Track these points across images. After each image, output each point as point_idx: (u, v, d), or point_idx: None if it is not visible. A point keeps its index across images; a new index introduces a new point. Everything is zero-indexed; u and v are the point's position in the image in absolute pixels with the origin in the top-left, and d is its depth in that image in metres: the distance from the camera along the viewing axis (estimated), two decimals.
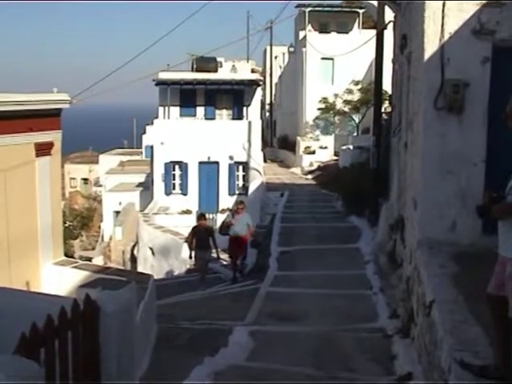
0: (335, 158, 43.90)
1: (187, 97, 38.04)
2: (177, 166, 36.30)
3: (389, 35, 20.55)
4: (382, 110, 23.64)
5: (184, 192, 36.32)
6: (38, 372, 4.98)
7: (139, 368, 8.99)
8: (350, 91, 45.98)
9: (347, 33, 50.76)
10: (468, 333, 6.47)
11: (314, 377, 9.09)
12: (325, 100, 47.36)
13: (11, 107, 14.83)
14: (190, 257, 18.89)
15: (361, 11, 49.91)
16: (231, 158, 35.90)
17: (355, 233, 21.47)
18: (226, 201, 35.85)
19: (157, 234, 30.70)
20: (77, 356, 6.21)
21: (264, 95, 62.07)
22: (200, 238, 18.17)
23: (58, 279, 15.70)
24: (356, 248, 19.30)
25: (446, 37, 9.79)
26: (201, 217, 18.99)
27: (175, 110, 38.12)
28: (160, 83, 36.85)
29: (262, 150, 40.00)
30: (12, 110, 14.84)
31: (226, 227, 18.91)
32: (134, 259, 34.19)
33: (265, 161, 44.66)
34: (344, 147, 38.49)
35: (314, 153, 47.01)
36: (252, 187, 32.83)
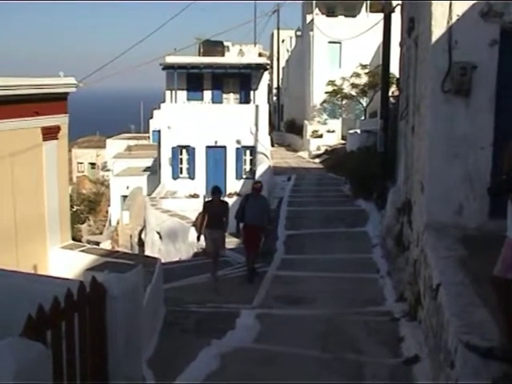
0: (343, 141, 43.86)
1: (194, 81, 37.91)
2: (184, 150, 36.25)
3: (396, 18, 20.45)
4: (390, 93, 23.58)
5: (191, 176, 36.29)
6: (44, 354, 5.01)
7: (146, 350, 9.04)
8: (357, 75, 45.81)
9: (355, 16, 50.52)
10: (474, 315, 6.48)
11: (321, 359, 9.12)
12: (332, 83, 47.21)
13: (18, 91, 14.82)
14: (198, 239, 16.09)
15: None
16: (238, 142, 35.82)
17: (362, 216, 21.49)
18: (234, 185, 35.83)
19: (164, 218, 30.72)
20: (84, 338, 6.23)
21: (271, 79, 61.94)
22: (213, 214, 15.35)
23: (66, 263, 15.74)
24: (363, 231, 19.34)
25: (454, 19, 9.72)
26: (215, 190, 15.81)
27: (182, 94, 38.01)
28: (167, 67, 36.71)
29: (270, 134, 39.89)
30: (19, 94, 14.84)
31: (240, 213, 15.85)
32: (141, 243, 34.26)
33: (272, 145, 44.58)
34: (351, 131, 38.45)
35: (321, 137, 46.91)
36: (259, 171, 32.76)
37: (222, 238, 15.81)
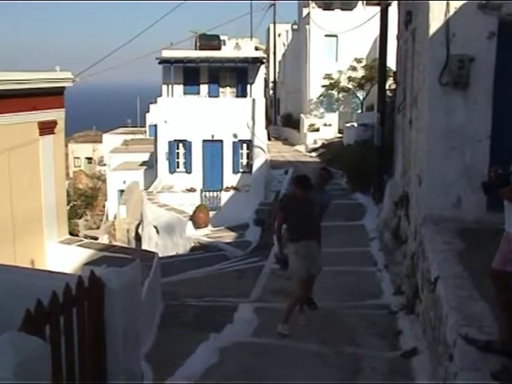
0: (339, 135, 43.82)
1: (191, 75, 37.88)
2: (181, 145, 36.23)
3: (393, 11, 20.41)
4: (387, 86, 23.55)
5: (188, 170, 36.28)
6: (43, 348, 4.99)
7: (145, 345, 9.04)
8: (353, 68, 45.79)
9: (351, 9, 50.41)
10: (473, 308, 6.48)
11: (319, 352, 9.12)
12: (329, 77, 47.19)
13: (14, 86, 14.79)
14: (279, 260, 10.32)
15: None
16: (235, 136, 35.80)
17: (360, 210, 21.48)
18: (230, 179, 35.84)
19: (161, 213, 30.75)
20: (82, 333, 6.22)
21: (268, 73, 61.85)
22: (299, 219, 9.86)
23: (63, 257, 15.73)
24: (361, 225, 19.32)
25: (452, 12, 9.70)
26: (302, 181, 9.87)
27: (179, 88, 37.99)
28: (163, 61, 36.68)
29: (266, 128, 39.90)
30: (15, 89, 14.80)
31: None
32: (138, 238, 34.30)
33: (269, 139, 44.57)
34: (348, 124, 38.44)
35: (318, 130, 46.88)
36: (256, 165, 32.78)
37: (319, 251, 10.40)
